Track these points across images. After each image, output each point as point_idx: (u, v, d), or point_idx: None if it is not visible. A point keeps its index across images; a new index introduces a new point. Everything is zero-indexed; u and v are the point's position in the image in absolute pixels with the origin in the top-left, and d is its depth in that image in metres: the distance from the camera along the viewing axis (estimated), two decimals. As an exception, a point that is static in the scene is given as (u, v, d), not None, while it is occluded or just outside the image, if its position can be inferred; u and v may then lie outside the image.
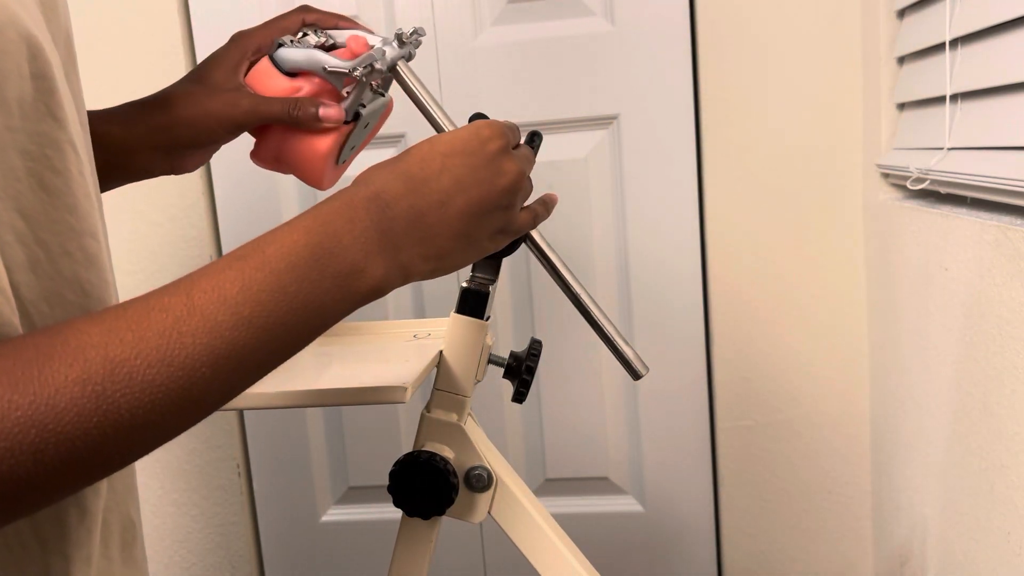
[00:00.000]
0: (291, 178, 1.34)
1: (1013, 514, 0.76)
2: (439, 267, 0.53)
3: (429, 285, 1.34)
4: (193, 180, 1.33)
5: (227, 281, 0.42)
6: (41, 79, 0.43)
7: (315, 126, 0.68)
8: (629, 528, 1.37)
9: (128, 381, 0.38)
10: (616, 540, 1.38)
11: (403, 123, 1.27)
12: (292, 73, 0.71)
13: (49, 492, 0.38)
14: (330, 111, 0.68)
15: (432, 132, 0.73)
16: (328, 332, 0.93)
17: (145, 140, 0.68)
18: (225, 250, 1.37)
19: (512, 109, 1.27)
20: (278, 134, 0.70)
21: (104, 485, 0.49)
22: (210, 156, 0.74)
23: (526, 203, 0.62)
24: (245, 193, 1.36)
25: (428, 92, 0.71)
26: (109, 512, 0.50)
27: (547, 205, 0.66)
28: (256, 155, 0.73)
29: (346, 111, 0.69)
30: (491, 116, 0.74)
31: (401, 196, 0.51)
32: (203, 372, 0.40)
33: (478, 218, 0.54)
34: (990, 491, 0.81)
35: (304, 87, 0.70)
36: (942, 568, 0.95)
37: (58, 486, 0.38)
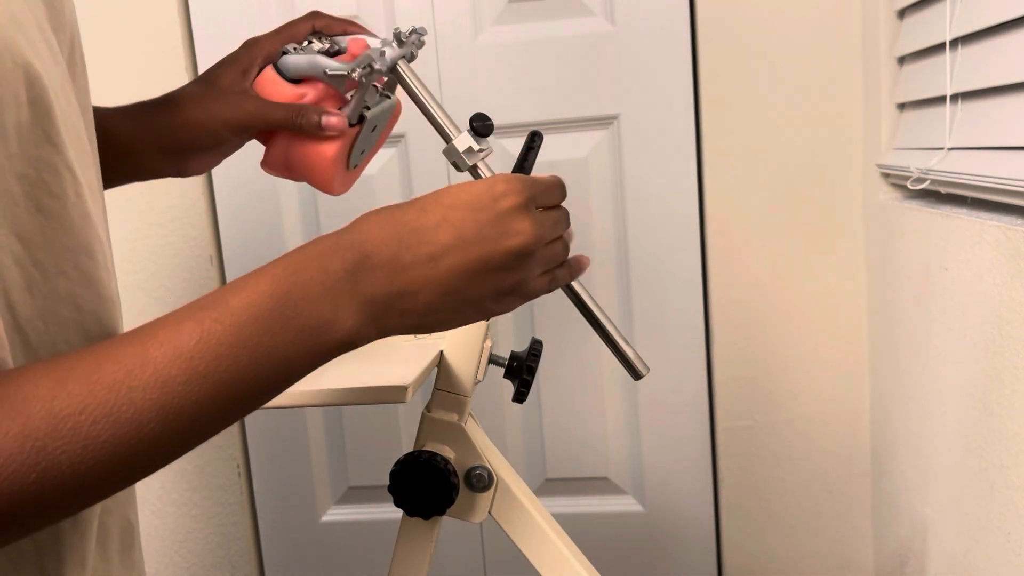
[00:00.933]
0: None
1: (1013, 514, 0.76)
2: (422, 323, 0.50)
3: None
4: (194, 180, 1.33)
5: (185, 333, 0.41)
6: (38, 104, 0.43)
7: (318, 134, 0.68)
8: (629, 528, 1.37)
9: (71, 437, 0.37)
10: (616, 540, 1.38)
11: (404, 123, 1.27)
12: (297, 80, 0.71)
13: None
14: (332, 119, 0.67)
15: (433, 132, 0.73)
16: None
17: (149, 141, 0.68)
18: (225, 250, 1.37)
19: (512, 109, 1.27)
20: (285, 140, 0.70)
21: None
22: (218, 161, 0.74)
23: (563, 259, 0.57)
24: (245, 193, 1.36)
25: (429, 92, 0.71)
26: (108, 515, 0.50)
27: (572, 270, 0.58)
28: (266, 163, 0.73)
29: (350, 115, 0.70)
30: (491, 116, 0.74)
31: (385, 246, 0.47)
32: (152, 428, 0.39)
33: (475, 278, 0.49)
34: (990, 491, 0.81)
35: (308, 93, 0.70)
36: (942, 568, 0.95)
37: None
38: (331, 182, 0.71)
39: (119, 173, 0.68)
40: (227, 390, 0.42)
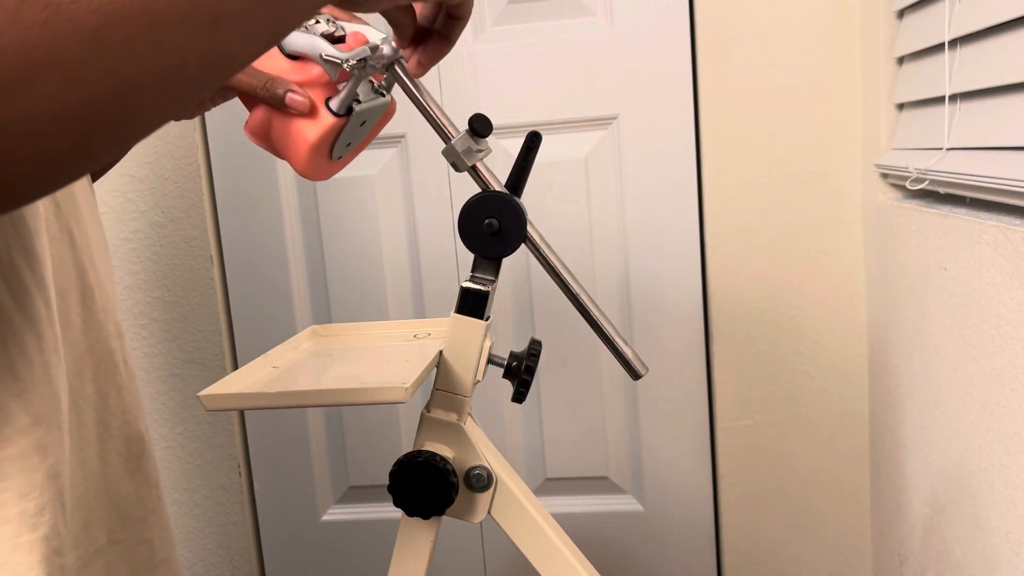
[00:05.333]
0: (292, 179, 1.35)
1: (1013, 514, 0.76)
2: None
3: (429, 285, 1.34)
4: (194, 180, 1.33)
5: None
6: None
7: (281, 108, 0.67)
8: (629, 528, 1.37)
9: None
10: (616, 540, 1.38)
11: (403, 123, 1.28)
12: (294, 56, 0.70)
13: None
14: (297, 97, 0.66)
15: (433, 132, 0.73)
16: (327, 333, 0.94)
17: None
18: (226, 250, 1.37)
19: (512, 109, 1.28)
20: (267, 111, 0.69)
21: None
22: (203, 110, 0.73)
23: None
24: (245, 194, 1.36)
25: (428, 93, 0.71)
26: (108, 415, 0.49)
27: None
28: (247, 127, 0.72)
29: (338, 106, 0.69)
30: (491, 116, 0.74)
31: None
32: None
33: None
34: (990, 491, 0.81)
35: (300, 72, 0.69)
36: (941, 568, 0.96)
37: None
38: (305, 165, 0.70)
39: None
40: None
